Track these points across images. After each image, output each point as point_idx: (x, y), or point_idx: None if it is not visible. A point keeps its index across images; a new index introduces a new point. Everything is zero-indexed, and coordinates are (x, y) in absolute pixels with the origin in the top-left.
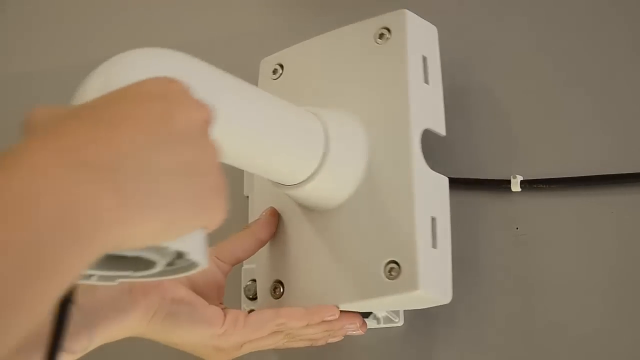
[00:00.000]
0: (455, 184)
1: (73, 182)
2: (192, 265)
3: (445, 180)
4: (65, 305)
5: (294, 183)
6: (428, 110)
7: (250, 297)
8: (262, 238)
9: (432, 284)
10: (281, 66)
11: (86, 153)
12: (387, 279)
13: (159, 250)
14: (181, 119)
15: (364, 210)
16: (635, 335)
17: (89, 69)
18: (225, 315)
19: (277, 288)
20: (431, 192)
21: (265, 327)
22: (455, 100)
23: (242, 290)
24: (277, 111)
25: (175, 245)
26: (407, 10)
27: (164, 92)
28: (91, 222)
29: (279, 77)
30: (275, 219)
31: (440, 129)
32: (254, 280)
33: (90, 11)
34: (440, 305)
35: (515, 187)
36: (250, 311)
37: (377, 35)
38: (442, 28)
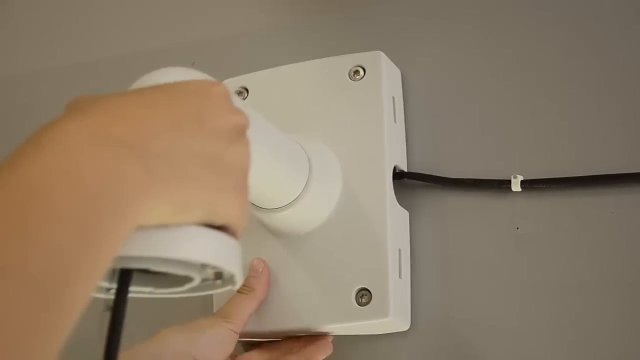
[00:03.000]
0: (456, 184)
1: (102, 156)
2: (228, 281)
3: (406, 214)
4: (121, 294)
5: (275, 207)
6: (396, 148)
7: None
8: (263, 299)
9: (399, 312)
10: (246, 89)
11: (114, 129)
12: (357, 305)
13: (190, 267)
14: (214, 117)
15: (336, 237)
16: (635, 336)
17: (88, 69)
18: None
19: None
20: (398, 225)
21: None
22: (455, 99)
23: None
24: (274, 137)
25: (210, 258)
26: (382, 52)
27: (206, 92)
28: (122, 192)
29: (243, 100)
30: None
31: (404, 165)
32: None
33: (90, 11)
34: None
35: (516, 187)
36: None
37: (352, 72)
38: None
